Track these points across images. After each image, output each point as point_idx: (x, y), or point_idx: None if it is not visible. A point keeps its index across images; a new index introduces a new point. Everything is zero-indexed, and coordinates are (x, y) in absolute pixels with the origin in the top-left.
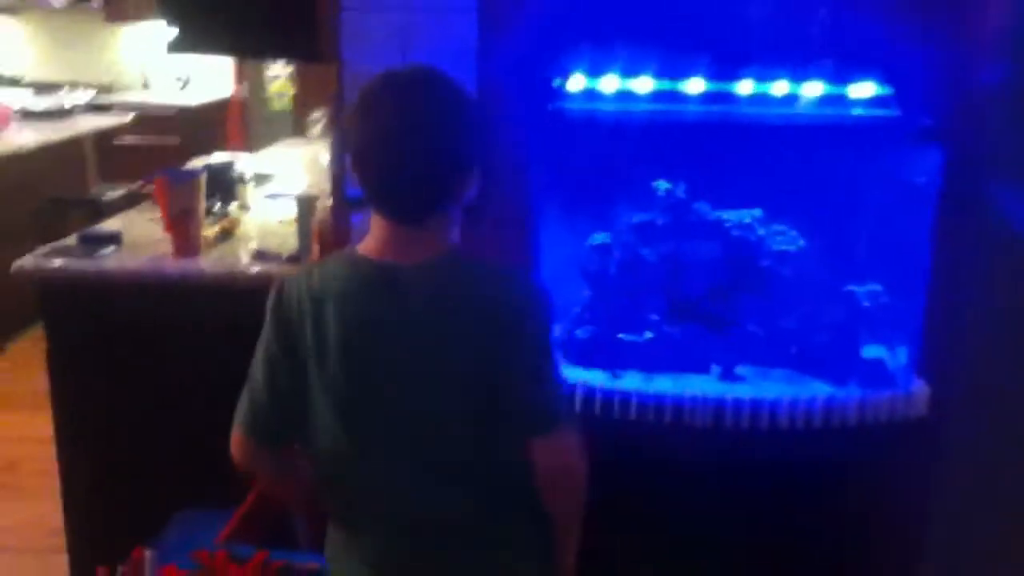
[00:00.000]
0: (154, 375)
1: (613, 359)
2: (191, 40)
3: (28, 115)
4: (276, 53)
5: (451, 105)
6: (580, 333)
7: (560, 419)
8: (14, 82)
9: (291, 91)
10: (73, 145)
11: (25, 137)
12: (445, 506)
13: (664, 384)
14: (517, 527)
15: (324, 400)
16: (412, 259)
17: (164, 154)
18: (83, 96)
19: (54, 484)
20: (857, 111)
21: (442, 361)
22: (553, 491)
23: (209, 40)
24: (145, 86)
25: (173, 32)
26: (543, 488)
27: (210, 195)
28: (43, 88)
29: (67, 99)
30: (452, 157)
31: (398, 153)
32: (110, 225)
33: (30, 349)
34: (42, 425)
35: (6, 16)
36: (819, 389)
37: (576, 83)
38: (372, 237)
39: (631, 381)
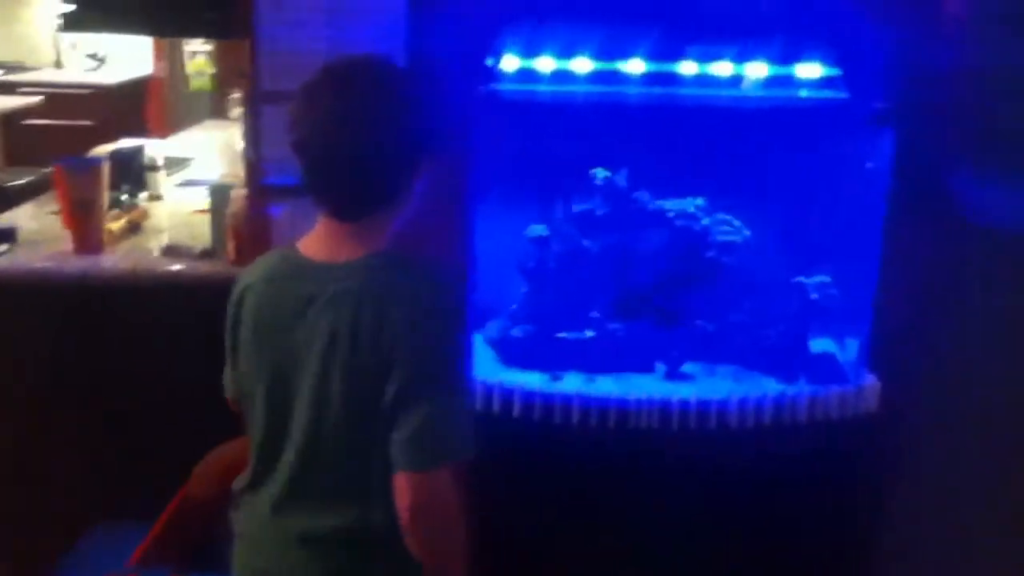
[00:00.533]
0: (54, 383)
1: (552, 360)
2: (89, 16)
3: None
4: (185, 31)
5: (393, 100)
6: (516, 332)
7: (445, 456)
8: None
9: (211, 69)
10: None
11: None
12: (333, 515)
13: (607, 386)
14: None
15: (248, 387)
16: (341, 257)
17: (77, 137)
18: None
19: None
20: (804, 93)
21: (336, 370)
22: (416, 529)
23: (110, 17)
24: (57, 64)
25: (70, 8)
26: (403, 524)
27: (117, 184)
28: None
29: None
30: (390, 154)
31: (334, 147)
32: (7, 218)
33: None
34: None
35: None
36: (768, 387)
37: (511, 63)
38: (312, 232)
39: (572, 383)
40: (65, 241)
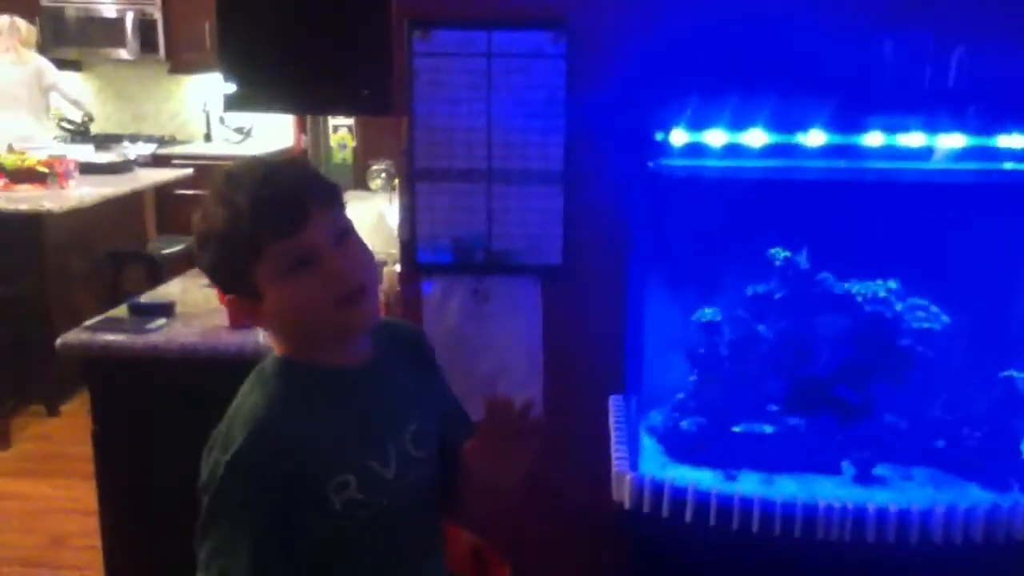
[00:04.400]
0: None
1: (726, 456)
2: (250, 97)
3: (90, 168)
4: (340, 110)
5: (206, 202)
6: (686, 425)
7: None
8: (81, 132)
9: (352, 142)
10: (133, 199)
11: (86, 192)
12: None
13: (788, 487)
14: None
15: None
16: None
17: None
18: (145, 148)
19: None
20: (1009, 165)
21: None
22: None
23: (269, 97)
24: (207, 138)
25: (231, 88)
26: None
27: None
28: (106, 140)
29: (129, 152)
30: (204, 266)
31: None
32: (165, 290)
33: (84, 411)
34: (93, 496)
35: (72, 71)
36: (975, 495)
37: (679, 137)
38: None
39: (748, 483)
40: (219, 316)
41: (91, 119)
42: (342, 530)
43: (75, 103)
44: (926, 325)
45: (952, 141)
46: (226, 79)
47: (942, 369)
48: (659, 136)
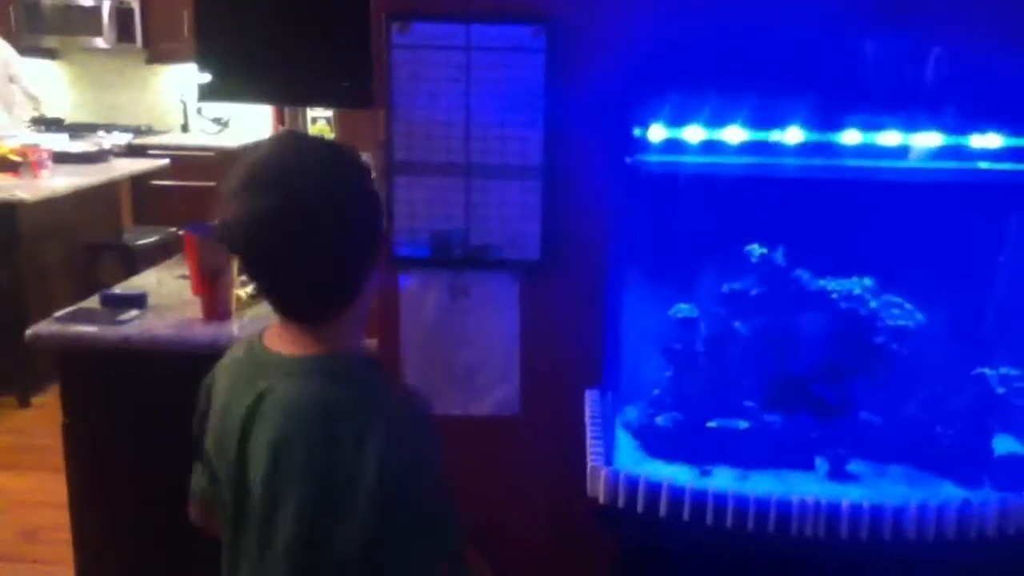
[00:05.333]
0: (178, 445)
1: (701, 452)
2: (226, 88)
3: (64, 158)
4: (319, 101)
5: (338, 199)
6: (661, 421)
7: None
8: (56, 123)
9: (331, 134)
10: (108, 189)
11: (60, 182)
12: None
13: (763, 484)
14: None
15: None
16: (293, 351)
17: (201, 198)
18: (120, 138)
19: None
20: (984, 165)
21: (274, 469)
22: None
23: (245, 88)
24: (184, 128)
25: (206, 78)
26: None
27: None
28: (81, 130)
29: (104, 142)
30: (337, 259)
31: (275, 246)
32: (139, 281)
33: (55, 404)
34: (63, 489)
35: (48, 60)
36: (948, 491)
37: (657, 133)
38: (274, 324)
39: (723, 479)
40: (193, 307)
41: (44, 116)
42: None
43: (32, 99)
44: (901, 323)
45: (928, 140)
46: (202, 68)
47: (917, 366)
48: (638, 132)
